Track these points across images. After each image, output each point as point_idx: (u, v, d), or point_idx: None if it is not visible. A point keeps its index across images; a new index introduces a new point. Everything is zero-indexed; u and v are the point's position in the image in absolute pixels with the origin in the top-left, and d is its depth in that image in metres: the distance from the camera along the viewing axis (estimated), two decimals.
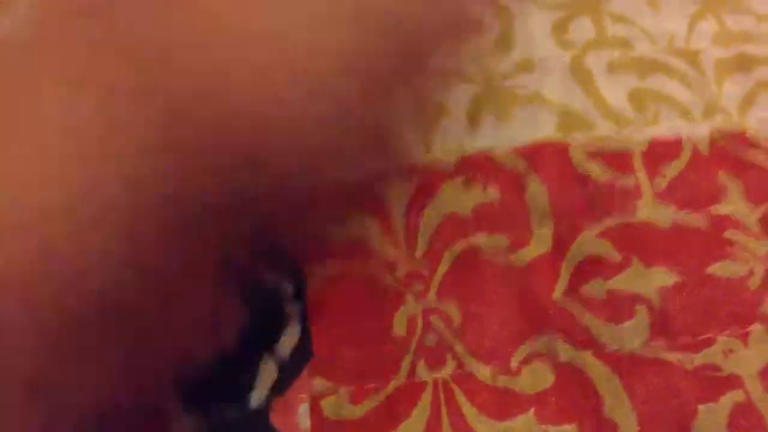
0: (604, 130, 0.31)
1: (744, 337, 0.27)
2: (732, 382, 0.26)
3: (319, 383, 0.26)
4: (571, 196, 0.29)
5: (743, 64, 0.34)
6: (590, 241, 0.28)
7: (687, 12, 0.35)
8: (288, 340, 0.27)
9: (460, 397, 0.26)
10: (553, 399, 0.25)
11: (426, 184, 0.30)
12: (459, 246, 0.29)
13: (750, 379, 0.26)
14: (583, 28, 0.35)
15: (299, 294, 0.28)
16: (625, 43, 0.34)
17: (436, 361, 0.26)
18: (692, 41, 0.34)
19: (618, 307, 0.27)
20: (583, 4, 0.36)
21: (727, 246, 0.28)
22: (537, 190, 0.30)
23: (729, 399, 0.25)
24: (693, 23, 0.35)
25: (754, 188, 0.30)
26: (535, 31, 0.35)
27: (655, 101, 0.32)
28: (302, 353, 0.26)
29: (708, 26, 0.35)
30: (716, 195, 0.30)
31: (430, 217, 0.29)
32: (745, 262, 0.28)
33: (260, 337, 0.27)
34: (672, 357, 0.26)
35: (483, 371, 0.26)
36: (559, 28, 0.35)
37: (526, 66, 0.34)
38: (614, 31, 0.35)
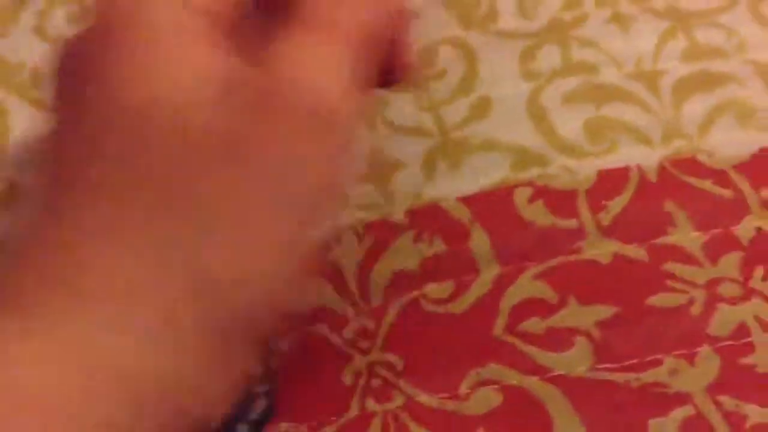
0: (556, 165, 0.32)
1: (691, 358, 0.27)
2: (680, 398, 0.27)
3: (283, 427, 0.28)
4: (514, 241, 0.31)
5: (707, 82, 0.34)
6: (527, 283, 0.30)
7: (657, 29, 0.36)
8: (257, 409, 0.28)
9: (409, 422, 0.27)
10: (503, 418, 0.26)
11: (379, 240, 0.31)
12: (404, 299, 0.30)
13: (699, 394, 0.27)
14: (550, 56, 0.35)
15: (267, 373, 0.29)
16: (590, 69, 0.35)
17: (384, 397, 0.28)
18: (660, 60, 0.35)
19: (557, 340, 0.28)
20: (552, 31, 0.36)
21: (665, 278, 0.29)
22: (480, 238, 0.31)
23: (679, 413, 0.26)
24: (663, 41, 0.35)
25: (701, 215, 0.30)
26: (499, 65, 0.35)
27: (612, 130, 0.33)
28: (268, 415, 0.28)
29: (677, 44, 0.35)
30: (661, 226, 0.30)
31: (381, 273, 0.31)
32: (684, 292, 0.29)
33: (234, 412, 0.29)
34: (618, 377, 0.27)
35: (431, 400, 0.27)
36: (527, 57, 0.35)
37: (483, 108, 0.34)
38: (581, 56, 0.35)
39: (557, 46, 0.36)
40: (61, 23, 0.38)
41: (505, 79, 0.35)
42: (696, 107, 0.33)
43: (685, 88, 0.34)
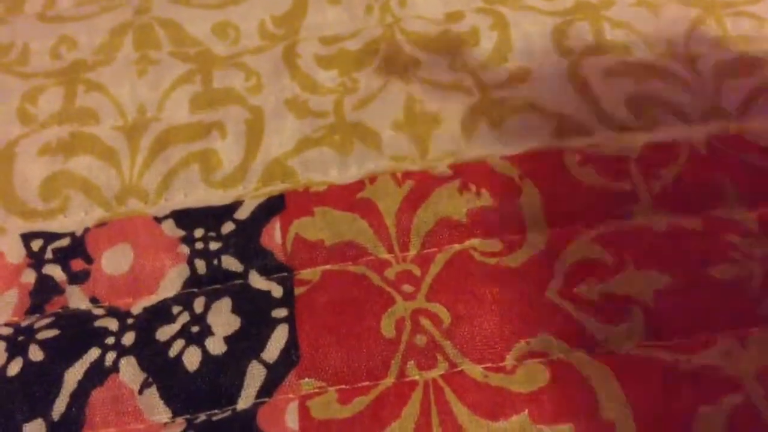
0: (600, 135, 0.32)
1: (743, 339, 0.26)
2: (732, 383, 0.25)
3: (306, 384, 0.26)
4: (565, 202, 0.29)
5: (745, 65, 0.34)
6: (584, 245, 0.28)
7: (687, 16, 0.36)
8: (275, 343, 0.27)
9: (451, 397, 0.25)
10: (548, 398, 0.25)
11: (419, 187, 0.30)
12: (452, 248, 0.29)
13: (749, 380, 0.25)
14: (582, 34, 0.35)
15: (287, 297, 0.27)
16: (624, 49, 0.35)
17: (426, 362, 0.26)
18: (691, 46, 0.35)
19: (612, 309, 0.27)
20: (583, 10, 0.36)
21: (725, 248, 0.28)
22: (530, 196, 0.30)
23: (729, 400, 0.25)
24: (693, 27, 0.35)
25: (752, 190, 0.30)
26: (533, 38, 0.35)
27: (653, 105, 0.33)
28: (289, 356, 0.26)
29: (708, 30, 0.35)
30: (712, 199, 0.29)
31: (423, 218, 0.29)
32: (745, 264, 0.27)
33: (248, 340, 0.27)
34: (670, 357, 0.26)
35: (475, 371, 0.26)
36: (559, 34, 0.35)
37: (522, 75, 0.34)
38: (613, 36, 0.35)
39: (588, 25, 0.36)
40: None
41: (540, 51, 0.35)
42: (735, 89, 0.33)
43: (723, 71, 0.34)
